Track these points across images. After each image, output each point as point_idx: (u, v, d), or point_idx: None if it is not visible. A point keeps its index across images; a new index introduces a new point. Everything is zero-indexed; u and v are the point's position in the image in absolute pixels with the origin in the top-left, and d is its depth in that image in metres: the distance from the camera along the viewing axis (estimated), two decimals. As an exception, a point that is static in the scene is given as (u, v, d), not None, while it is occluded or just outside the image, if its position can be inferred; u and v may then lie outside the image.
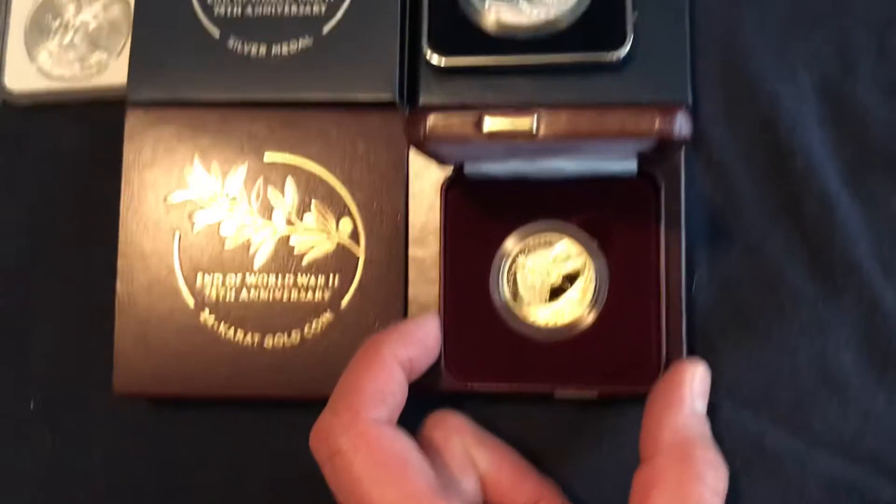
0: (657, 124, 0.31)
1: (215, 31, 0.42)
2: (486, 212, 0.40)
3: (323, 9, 0.41)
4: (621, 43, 0.39)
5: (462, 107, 0.40)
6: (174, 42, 0.42)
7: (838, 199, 0.39)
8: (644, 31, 0.40)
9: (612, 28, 0.40)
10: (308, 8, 0.41)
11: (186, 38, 0.42)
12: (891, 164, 0.39)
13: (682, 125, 0.31)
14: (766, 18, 0.41)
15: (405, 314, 0.40)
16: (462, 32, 0.41)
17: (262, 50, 0.41)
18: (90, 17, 0.46)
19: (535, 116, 0.31)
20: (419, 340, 0.38)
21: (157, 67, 0.42)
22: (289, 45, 0.41)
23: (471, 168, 0.39)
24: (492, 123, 0.32)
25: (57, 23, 0.46)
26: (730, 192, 0.40)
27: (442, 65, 0.40)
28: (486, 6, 0.41)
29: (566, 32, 0.40)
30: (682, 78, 0.40)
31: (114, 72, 0.45)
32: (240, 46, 0.41)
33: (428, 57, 0.41)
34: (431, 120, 0.32)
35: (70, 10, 0.47)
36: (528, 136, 0.32)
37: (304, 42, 0.41)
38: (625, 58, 0.40)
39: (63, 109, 0.46)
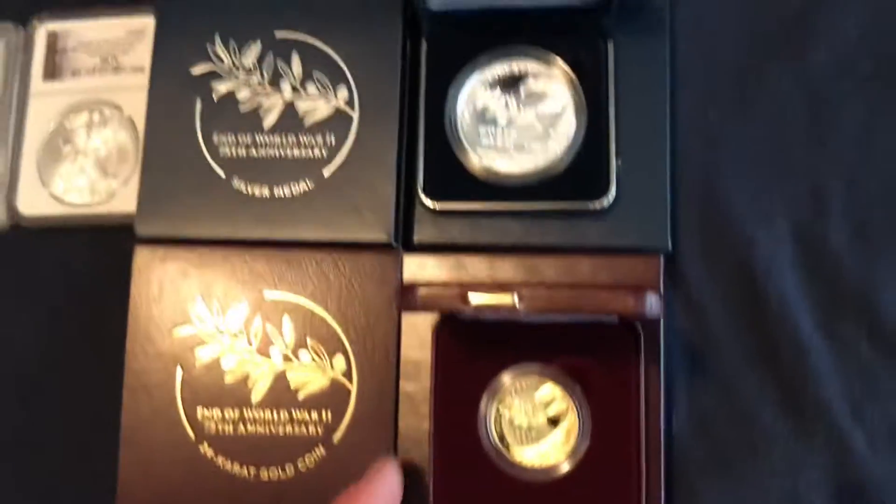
0: (629, 305, 0.33)
1: (221, 172, 0.44)
2: (476, 352, 0.42)
3: (324, 153, 0.43)
4: (605, 192, 0.42)
5: (453, 247, 0.42)
6: (181, 181, 0.44)
7: (811, 343, 0.41)
8: (627, 179, 0.42)
9: (597, 177, 0.42)
10: (309, 151, 0.43)
11: (193, 177, 0.44)
12: (861, 310, 0.41)
13: (652, 306, 0.33)
14: (744, 165, 0.43)
15: (395, 448, 0.41)
16: (455, 178, 0.43)
17: (266, 191, 0.43)
18: (100, 142, 0.48)
19: (516, 294, 0.33)
20: (383, 497, 0.39)
21: (165, 205, 0.44)
22: (291, 187, 0.43)
23: None
24: (476, 299, 0.34)
25: (68, 148, 0.49)
26: (707, 333, 0.42)
27: (436, 209, 0.43)
28: (479, 154, 0.43)
29: (553, 181, 0.42)
30: (662, 225, 0.42)
31: (122, 200, 0.47)
32: (244, 187, 0.43)
33: (423, 200, 0.43)
34: (421, 293, 0.34)
35: (81, 135, 0.49)
36: (511, 309, 0.34)
37: (305, 184, 0.43)
38: (608, 206, 0.42)
39: (73, 233, 0.48)
